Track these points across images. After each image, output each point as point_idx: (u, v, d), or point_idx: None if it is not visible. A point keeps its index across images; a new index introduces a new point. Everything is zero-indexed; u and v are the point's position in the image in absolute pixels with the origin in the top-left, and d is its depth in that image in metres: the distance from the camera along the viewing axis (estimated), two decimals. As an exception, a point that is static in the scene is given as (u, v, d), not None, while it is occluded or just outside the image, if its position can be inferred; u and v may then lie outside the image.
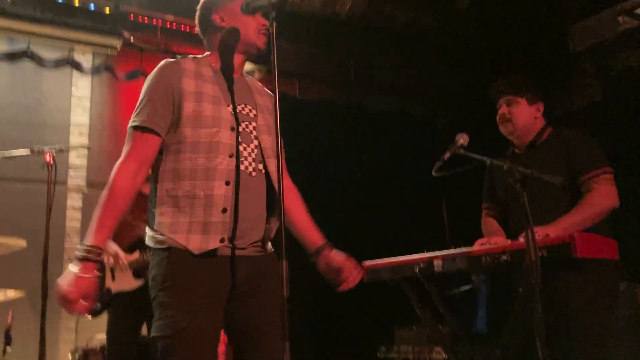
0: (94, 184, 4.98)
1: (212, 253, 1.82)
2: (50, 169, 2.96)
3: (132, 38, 4.92)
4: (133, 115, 1.92)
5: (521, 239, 2.36)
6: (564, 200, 2.64)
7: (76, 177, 4.97)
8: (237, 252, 1.88)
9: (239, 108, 1.98)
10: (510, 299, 2.86)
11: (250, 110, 2.01)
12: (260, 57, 2.15)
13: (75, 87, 5.11)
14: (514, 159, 2.75)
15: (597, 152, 2.69)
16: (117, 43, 4.85)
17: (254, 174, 1.92)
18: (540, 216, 2.37)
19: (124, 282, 3.53)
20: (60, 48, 4.88)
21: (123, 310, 3.46)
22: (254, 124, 1.98)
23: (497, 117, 2.93)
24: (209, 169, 1.85)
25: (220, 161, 1.86)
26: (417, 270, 2.77)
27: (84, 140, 4.99)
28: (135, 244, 3.61)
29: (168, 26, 5.10)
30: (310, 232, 2.14)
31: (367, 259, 3.01)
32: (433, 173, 2.58)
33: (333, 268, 2.07)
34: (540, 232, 2.39)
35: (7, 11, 4.45)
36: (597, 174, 2.61)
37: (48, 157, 2.98)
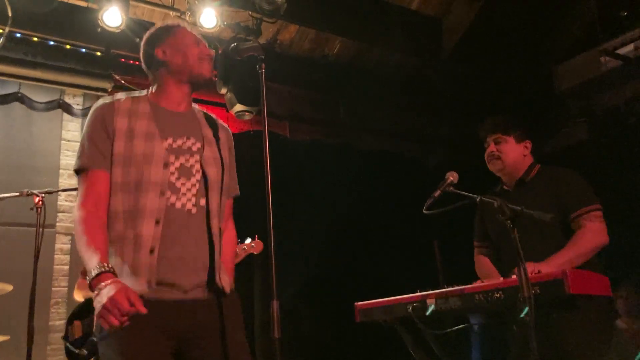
0: (82, 226, 4.94)
1: (145, 298, 1.68)
2: (39, 211, 2.94)
3: (122, 80, 4.95)
4: (75, 159, 1.90)
5: (514, 277, 2.36)
6: (554, 237, 2.65)
7: (65, 219, 4.92)
8: (175, 296, 1.77)
9: (179, 142, 1.92)
10: (505, 338, 2.83)
11: (193, 144, 1.94)
12: (251, 99, 2.17)
13: (65, 129, 5.11)
14: (504, 196, 2.77)
15: (587, 189, 2.72)
16: (108, 85, 4.87)
17: (193, 210, 1.86)
18: (531, 253, 2.38)
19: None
20: (51, 91, 4.90)
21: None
22: (196, 156, 1.92)
23: (486, 155, 2.96)
24: (138, 208, 1.79)
25: (150, 199, 1.80)
26: (410, 309, 2.74)
27: (74, 182, 4.96)
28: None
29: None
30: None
31: (359, 300, 2.98)
32: (424, 211, 2.58)
33: None
34: (533, 269, 2.38)
35: (0, 55, 4.48)
36: (587, 211, 2.64)
37: (37, 200, 2.95)
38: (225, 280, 1.90)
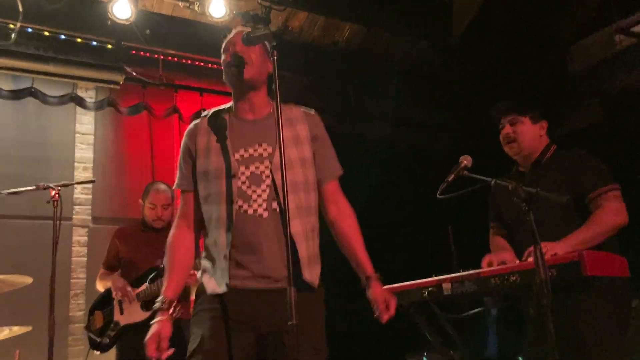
0: (98, 219, 4.99)
1: (223, 294, 1.96)
2: (55, 204, 2.96)
3: (134, 72, 4.97)
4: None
5: (530, 259, 2.35)
6: (570, 220, 2.62)
7: (81, 212, 4.98)
8: (251, 293, 1.95)
9: (250, 151, 2.02)
10: (521, 321, 2.83)
11: (264, 149, 2.03)
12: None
13: (79, 122, 5.15)
14: (519, 178, 2.75)
15: (603, 169, 2.69)
16: (120, 78, 4.90)
17: (265, 214, 1.96)
18: (546, 236, 2.36)
19: (133, 315, 3.52)
20: (64, 85, 4.93)
21: (131, 343, 3.43)
22: (266, 162, 2.00)
23: (501, 138, 2.93)
24: (216, 218, 2.00)
25: (222, 209, 1.98)
26: (425, 294, 2.74)
27: (88, 175, 5.01)
28: (142, 277, 3.60)
29: (169, 59, 5.18)
30: (358, 261, 2.14)
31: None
32: (438, 195, 2.58)
33: (371, 300, 2.08)
34: (549, 250, 2.37)
35: (11, 50, 4.51)
36: (605, 191, 2.60)
37: (53, 193, 2.98)
38: (313, 276, 2.01)
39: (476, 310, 2.97)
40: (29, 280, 3.02)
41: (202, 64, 5.27)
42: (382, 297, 2.05)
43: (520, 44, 5.66)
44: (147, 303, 3.47)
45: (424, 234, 5.66)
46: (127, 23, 4.48)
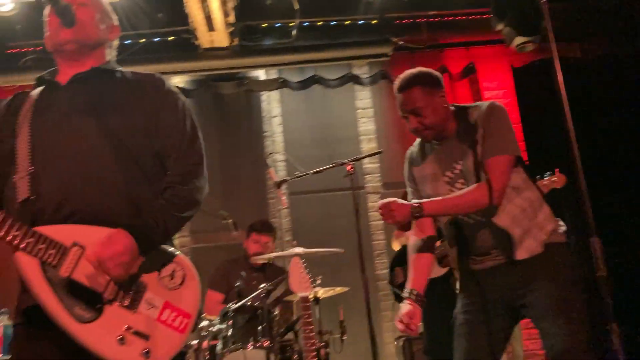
0: (389, 184, 5.35)
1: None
2: (351, 177, 3.26)
3: (401, 42, 5.15)
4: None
5: None
6: None
7: (372, 180, 5.41)
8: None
9: (451, 173, 2.23)
10: None
11: (454, 167, 2.21)
12: (531, 29, 2.07)
13: (358, 99, 5.57)
14: None
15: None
16: (388, 50, 5.12)
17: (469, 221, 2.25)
18: None
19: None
20: (341, 67, 5.39)
21: (431, 297, 3.63)
22: (461, 180, 2.19)
23: None
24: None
25: (443, 224, 2.45)
26: None
27: (373, 146, 5.40)
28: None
29: (432, 21, 5.22)
30: None
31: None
32: None
33: None
34: None
35: (294, 46, 5.08)
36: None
37: (349, 167, 3.28)
38: (528, 248, 2.09)
39: None
40: (340, 250, 3.40)
41: (464, 17, 5.19)
42: None
43: None
44: (441, 259, 3.61)
45: None
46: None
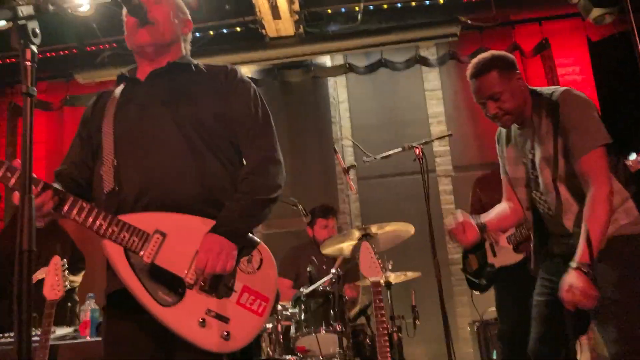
0: (459, 167, 5.26)
1: None
2: (421, 161, 3.23)
3: (468, 21, 5.01)
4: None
5: None
6: None
7: (442, 163, 5.32)
8: None
9: (525, 161, 2.23)
10: None
11: (532, 154, 2.18)
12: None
13: (427, 81, 5.48)
14: None
15: None
16: (456, 30, 5.00)
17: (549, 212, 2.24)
18: None
19: (506, 257, 3.63)
20: (407, 49, 5.31)
21: (506, 284, 3.56)
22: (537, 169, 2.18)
23: None
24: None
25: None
26: None
27: (443, 129, 5.30)
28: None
29: (501, -2, 5.06)
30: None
31: None
32: None
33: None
34: None
35: (360, 30, 5.06)
36: None
37: (417, 151, 3.25)
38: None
39: None
40: (412, 228, 3.39)
41: (536, -9, 5.00)
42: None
43: None
44: (518, 245, 3.53)
45: None
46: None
